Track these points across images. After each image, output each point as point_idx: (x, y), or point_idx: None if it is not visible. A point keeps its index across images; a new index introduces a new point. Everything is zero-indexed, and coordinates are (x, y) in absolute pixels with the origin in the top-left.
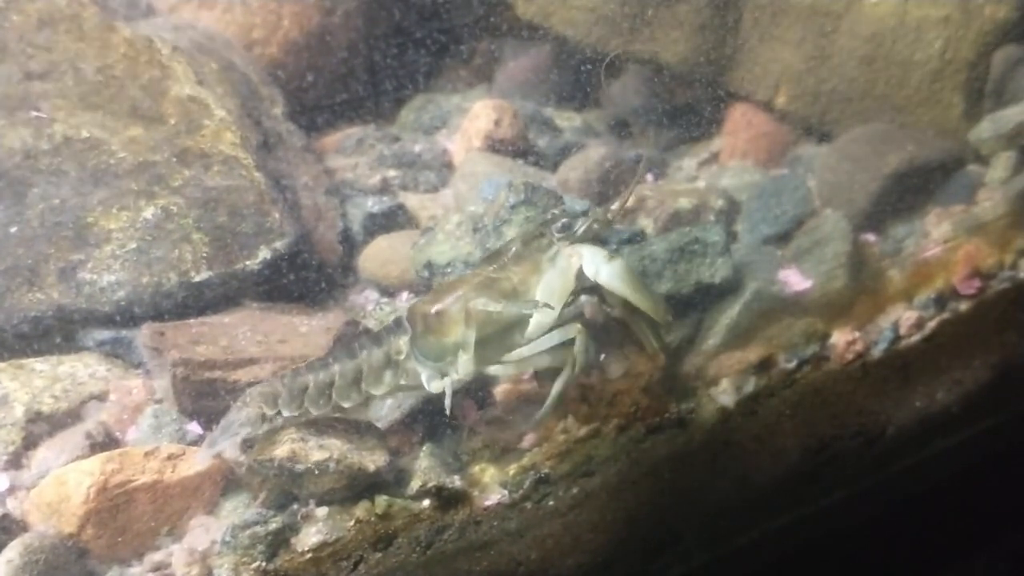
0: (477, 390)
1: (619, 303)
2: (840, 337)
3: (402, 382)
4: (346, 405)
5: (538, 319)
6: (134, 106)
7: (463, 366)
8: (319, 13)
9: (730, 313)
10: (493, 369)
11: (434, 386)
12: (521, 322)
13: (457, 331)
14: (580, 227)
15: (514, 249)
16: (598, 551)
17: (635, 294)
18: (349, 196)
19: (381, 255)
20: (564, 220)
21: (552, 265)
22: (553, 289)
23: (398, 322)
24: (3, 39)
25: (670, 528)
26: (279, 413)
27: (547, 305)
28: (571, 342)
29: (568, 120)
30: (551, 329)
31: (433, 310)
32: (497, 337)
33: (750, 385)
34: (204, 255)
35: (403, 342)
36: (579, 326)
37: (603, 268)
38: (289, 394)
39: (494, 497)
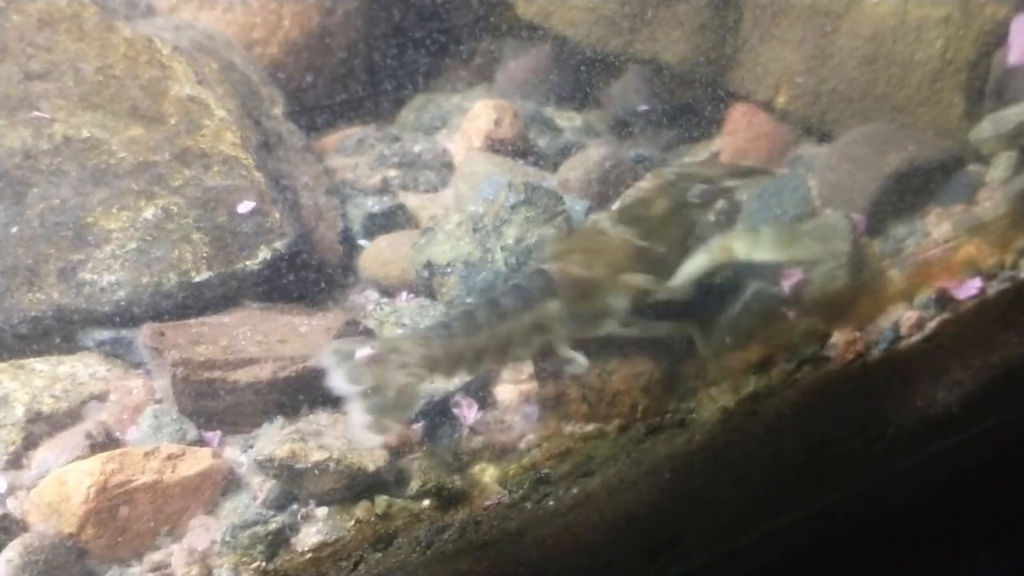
0: (477, 390)
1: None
2: (840, 337)
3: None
4: (496, 367)
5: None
6: (134, 106)
7: (603, 329)
8: (319, 13)
9: (730, 313)
10: (619, 331)
11: (567, 352)
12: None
13: (606, 299)
14: (710, 196)
15: (657, 213)
16: (598, 551)
17: (796, 252)
18: (349, 196)
19: (381, 255)
20: (701, 187)
21: (704, 249)
22: (697, 270)
23: (543, 283)
24: (3, 39)
25: (670, 528)
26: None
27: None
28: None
29: (568, 120)
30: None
31: (589, 278)
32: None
33: (750, 385)
34: (204, 255)
35: (552, 307)
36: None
37: (757, 248)
38: (448, 360)
39: (494, 497)
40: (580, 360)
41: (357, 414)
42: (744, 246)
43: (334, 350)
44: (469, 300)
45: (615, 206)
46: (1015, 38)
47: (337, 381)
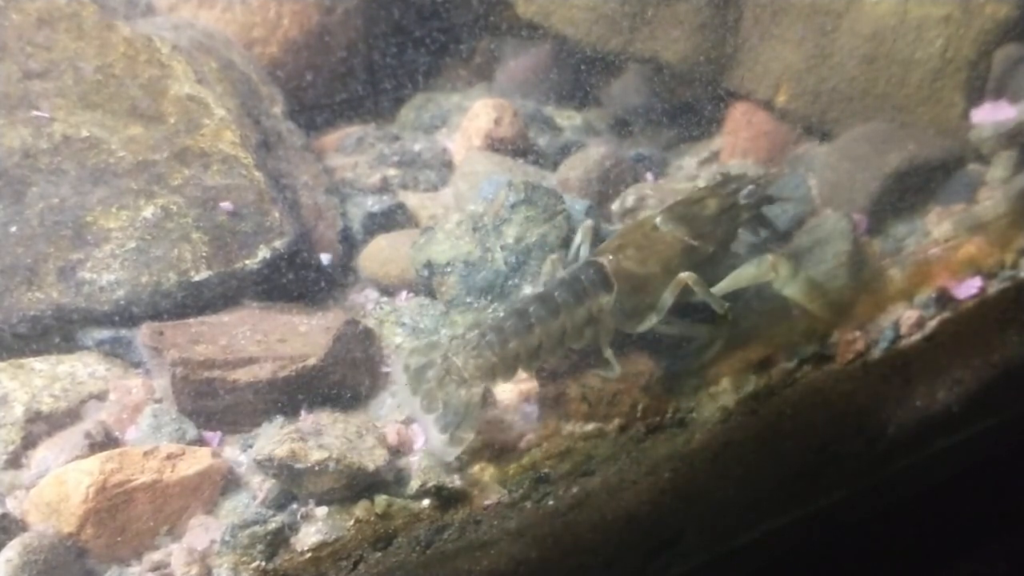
0: None
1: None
2: (841, 336)
3: (599, 336)
4: (551, 360)
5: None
6: (133, 105)
7: (645, 325)
8: (319, 12)
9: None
10: (661, 328)
11: (608, 351)
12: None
13: (657, 296)
14: (759, 199)
15: (708, 213)
16: (598, 551)
17: (809, 304)
18: (349, 195)
19: (381, 254)
20: (750, 187)
21: (752, 262)
22: (741, 280)
23: (597, 276)
24: (2, 38)
25: (670, 527)
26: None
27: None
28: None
29: (568, 119)
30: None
31: (643, 274)
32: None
33: (750, 384)
34: (203, 254)
35: (606, 300)
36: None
37: (790, 285)
38: (504, 365)
39: (494, 496)
40: (615, 366)
41: (433, 432)
42: (786, 275)
43: (403, 367)
44: (469, 300)
45: (614, 205)
46: None
47: (416, 408)
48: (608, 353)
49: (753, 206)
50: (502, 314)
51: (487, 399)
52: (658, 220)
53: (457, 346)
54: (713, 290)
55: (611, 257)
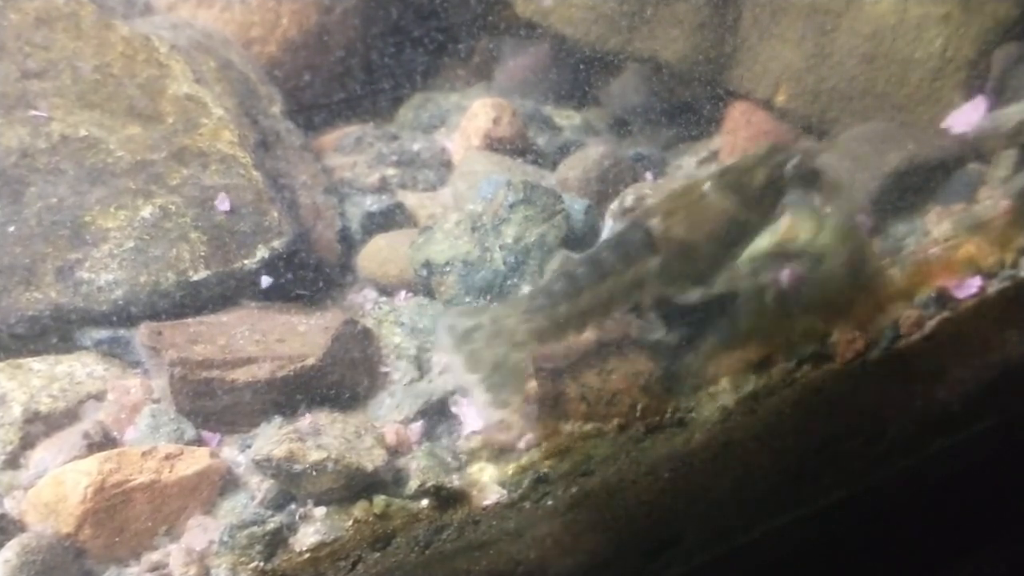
0: None
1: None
2: (840, 336)
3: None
4: (600, 323)
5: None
6: (132, 105)
7: (689, 296)
8: (318, 11)
9: (730, 312)
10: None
11: (650, 315)
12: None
13: (703, 263)
14: (805, 172)
15: (755, 183)
16: (597, 551)
17: (851, 247)
18: (347, 195)
19: (380, 254)
20: (795, 161)
21: (771, 230)
22: (760, 250)
23: (644, 238)
24: (1, 37)
25: (670, 528)
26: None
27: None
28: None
29: (567, 118)
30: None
31: (690, 240)
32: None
33: (750, 384)
34: (202, 254)
35: (652, 264)
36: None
37: (820, 236)
38: (554, 327)
39: (493, 497)
40: (660, 327)
41: (478, 394)
42: (808, 232)
43: (448, 327)
44: (467, 299)
45: (612, 205)
46: None
47: (456, 368)
48: (652, 317)
49: (799, 179)
50: (550, 278)
51: (528, 371)
52: (706, 187)
53: (507, 309)
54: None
55: (658, 221)
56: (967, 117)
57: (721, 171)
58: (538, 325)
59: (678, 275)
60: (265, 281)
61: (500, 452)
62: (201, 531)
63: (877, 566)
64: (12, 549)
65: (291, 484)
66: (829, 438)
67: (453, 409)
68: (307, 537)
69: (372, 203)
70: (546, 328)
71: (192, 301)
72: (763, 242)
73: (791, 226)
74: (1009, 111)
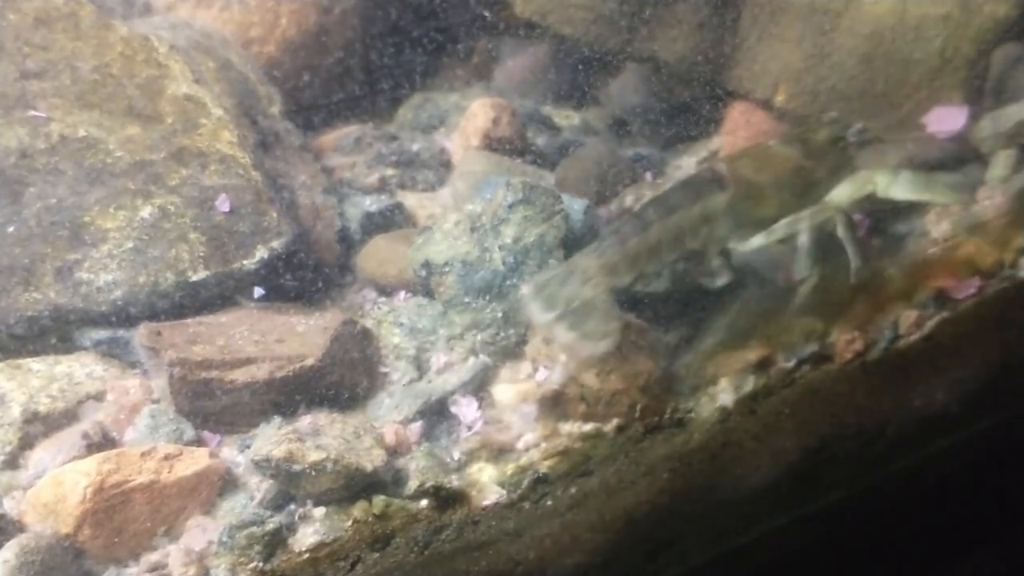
0: (476, 389)
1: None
2: (839, 336)
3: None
4: (671, 258)
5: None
6: (131, 105)
7: (754, 242)
8: (317, 11)
9: (729, 312)
10: (757, 245)
11: (715, 259)
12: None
13: (769, 208)
14: (867, 139)
15: (820, 139)
16: (596, 551)
17: (929, 196)
18: (347, 195)
19: (379, 254)
20: (859, 127)
21: (850, 180)
22: (842, 198)
23: (712, 176)
24: (0, 38)
25: (669, 528)
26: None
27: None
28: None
29: (566, 118)
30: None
31: (757, 181)
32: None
33: (749, 384)
34: (201, 254)
35: (721, 199)
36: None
37: (896, 187)
38: (625, 263)
39: (492, 497)
40: (725, 273)
41: (562, 334)
42: (885, 183)
43: (535, 284)
44: (467, 300)
45: (612, 205)
46: None
47: (535, 311)
48: (717, 262)
49: (859, 145)
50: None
51: (611, 301)
52: (772, 142)
53: (580, 255)
54: (810, 214)
55: (727, 163)
56: (948, 122)
57: (785, 132)
58: (608, 260)
59: (744, 215)
60: (257, 292)
61: (499, 452)
62: (200, 531)
63: (877, 566)
64: (11, 549)
65: (290, 484)
66: (828, 438)
67: (452, 409)
68: (306, 537)
69: (371, 203)
70: (616, 262)
71: (191, 301)
72: (844, 191)
73: (867, 178)
74: (1009, 111)
